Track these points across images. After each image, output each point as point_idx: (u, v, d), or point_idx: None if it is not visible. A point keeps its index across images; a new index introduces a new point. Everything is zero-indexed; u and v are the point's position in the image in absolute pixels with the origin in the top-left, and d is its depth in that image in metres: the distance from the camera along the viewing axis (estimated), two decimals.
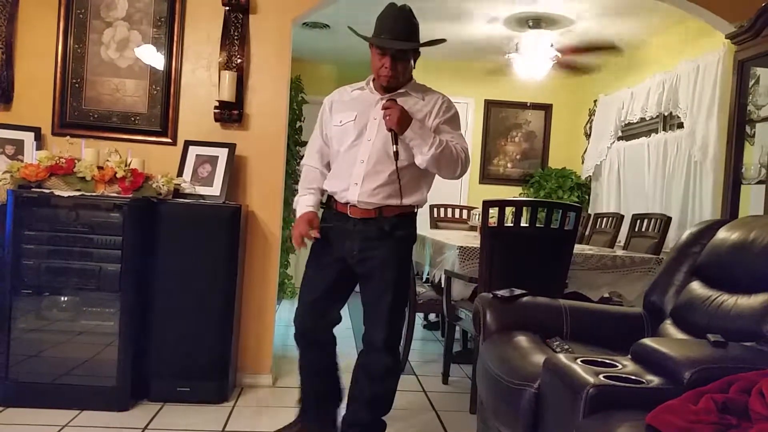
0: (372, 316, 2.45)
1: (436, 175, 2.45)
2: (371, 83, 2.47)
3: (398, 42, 2.31)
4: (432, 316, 5.41)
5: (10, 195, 2.86)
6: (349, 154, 2.39)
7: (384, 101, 2.34)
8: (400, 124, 2.27)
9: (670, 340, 2.00)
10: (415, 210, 2.48)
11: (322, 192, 2.51)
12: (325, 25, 5.49)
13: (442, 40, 2.45)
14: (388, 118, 2.27)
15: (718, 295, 2.07)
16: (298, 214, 2.49)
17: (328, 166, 2.54)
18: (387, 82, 2.37)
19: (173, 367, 3.02)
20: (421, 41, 2.39)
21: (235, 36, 3.33)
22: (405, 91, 2.42)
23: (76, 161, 2.99)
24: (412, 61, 2.42)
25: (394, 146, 2.29)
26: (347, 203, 2.38)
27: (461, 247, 3.33)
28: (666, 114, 4.99)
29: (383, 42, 2.31)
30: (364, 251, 2.38)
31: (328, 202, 2.49)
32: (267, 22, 3.39)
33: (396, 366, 2.50)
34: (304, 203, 2.50)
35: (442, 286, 3.59)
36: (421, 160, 2.31)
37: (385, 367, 2.46)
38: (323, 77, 6.66)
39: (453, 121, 2.44)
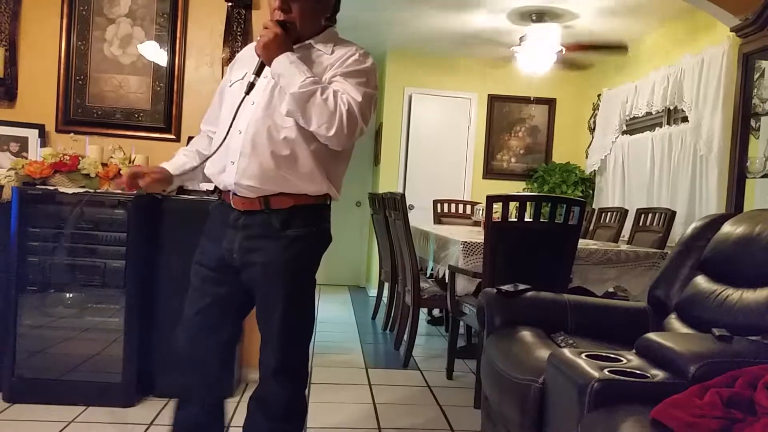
0: (263, 336, 1.93)
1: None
2: None
3: None
4: (436, 312, 5.42)
5: (15, 192, 2.87)
6: (228, 124, 1.82)
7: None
8: (267, 49, 1.76)
9: (675, 335, 1.99)
10: (326, 201, 1.93)
11: (201, 158, 1.98)
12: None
13: None
14: (259, 38, 1.80)
15: (723, 289, 2.07)
16: None
17: None
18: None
19: (179, 362, 3.02)
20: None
21: (238, 32, 3.33)
22: (309, 43, 1.89)
23: (80, 158, 2.99)
24: (320, 4, 1.88)
25: (254, 76, 1.79)
26: (228, 190, 1.87)
27: (465, 242, 3.33)
28: (671, 108, 4.97)
29: None
30: (245, 253, 1.85)
31: (216, 189, 1.99)
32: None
33: (299, 402, 1.96)
34: (170, 162, 2.00)
35: (446, 281, 3.59)
36: (284, 105, 1.76)
37: (285, 402, 1.91)
38: None
39: (355, 73, 1.84)
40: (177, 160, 2.01)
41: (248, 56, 1.91)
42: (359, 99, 1.78)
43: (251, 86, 1.80)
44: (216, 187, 1.96)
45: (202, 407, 1.99)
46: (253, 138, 1.80)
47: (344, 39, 1.95)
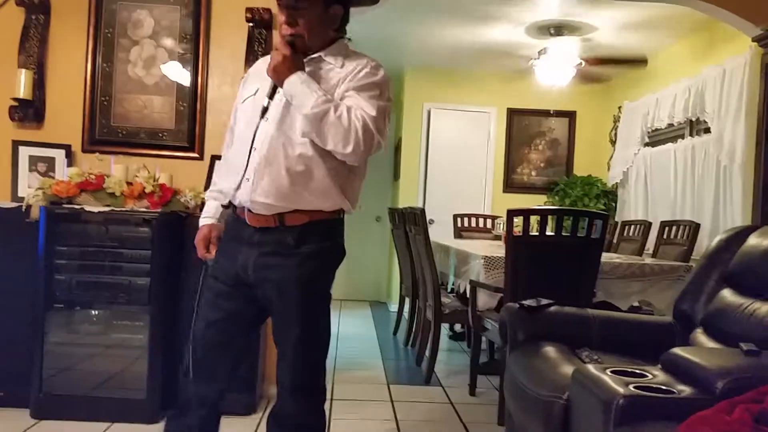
0: (279, 352, 1.91)
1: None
2: None
3: None
4: (458, 327, 5.39)
5: (43, 211, 2.93)
6: (243, 140, 1.86)
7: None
8: (276, 72, 1.77)
9: (702, 349, 1.97)
10: (339, 216, 1.91)
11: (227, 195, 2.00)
12: (348, 39, 5.54)
13: None
14: (269, 59, 1.82)
15: (751, 302, 2.03)
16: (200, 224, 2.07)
17: None
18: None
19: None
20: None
21: (259, 51, 3.37)
22: (319, 56, 1.87)
23: (105, 177, 3.05)
24: (327, 15, 1.88)
25: (268, 99, 1.80)
26: (243, 207, 1.87)
27: (486, 256, 3.32)
28: (693, 119, 4.93)
29: None
30: (259, 270, 1.85)
31: (231, 204, 1.96)
32: None
33: (315, 417, 1.92)
34: (205, 212, 2.07)
35: (468, 296, 3.58)
36: (298, 126, 1.78)
37: (301, 418, 1.89)
38: None
39: (368, 87, 1.82)
40: (211, 208, 2.05)
41: (260, 71, 1.91)
42: (373, 113, 1.76)
43: (265, 110, 1.80)
44: (230, 202, 1.95)
45: (198, 419, 1.94)
46: (267, 155, 1.79)
47: (355, 51, 1.94)
